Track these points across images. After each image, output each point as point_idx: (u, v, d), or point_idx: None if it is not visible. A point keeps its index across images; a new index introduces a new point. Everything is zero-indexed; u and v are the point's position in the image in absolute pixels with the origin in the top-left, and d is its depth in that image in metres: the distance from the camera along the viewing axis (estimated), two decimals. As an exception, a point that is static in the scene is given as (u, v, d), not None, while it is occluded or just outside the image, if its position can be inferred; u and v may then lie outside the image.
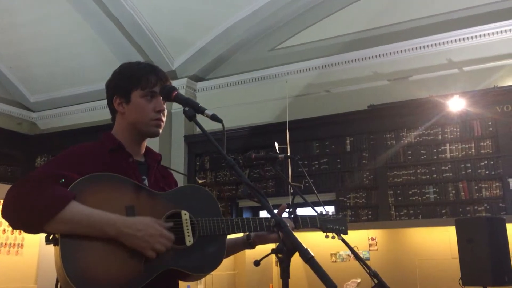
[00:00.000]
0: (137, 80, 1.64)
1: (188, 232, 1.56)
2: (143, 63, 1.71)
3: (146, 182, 1.65)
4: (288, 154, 5.18)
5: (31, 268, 3.72)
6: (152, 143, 1.74)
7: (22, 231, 1.52)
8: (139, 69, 1.67)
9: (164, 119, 1.68)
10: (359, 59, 6.24)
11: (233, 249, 1.81)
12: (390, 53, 6.07)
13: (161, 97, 1.65)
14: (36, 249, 3.74)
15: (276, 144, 3.27)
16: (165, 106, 1.70)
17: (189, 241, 1.55)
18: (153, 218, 1.50)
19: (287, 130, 5.59)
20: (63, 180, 1.46)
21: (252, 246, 1.82)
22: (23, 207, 1.39)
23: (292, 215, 1.82)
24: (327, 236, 2.00)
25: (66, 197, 1.41)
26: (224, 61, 7.10)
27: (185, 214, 1.58)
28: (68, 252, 1.39)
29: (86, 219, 1.41)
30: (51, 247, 1.47)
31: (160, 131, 1.69)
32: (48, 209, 1.38)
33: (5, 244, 3.62)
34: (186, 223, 1.57)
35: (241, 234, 1.81)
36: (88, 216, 1.42)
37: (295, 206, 1.82)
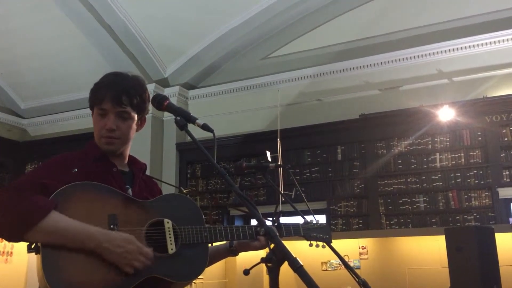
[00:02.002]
0: (92, 96, 1.65)
1: (170, 240, 1.57)
2: (109, 77, 1.66)
3: (130, 191, 1.65)
4: (279, 162, 5.21)
5: (20, 276, 3.69)
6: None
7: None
8: (96, 84, 1.65)
9: (122, 136, 1.64)
10: (350, 69, 6.28)
11: (216, 256, 1.82)
12: (381, 63, 6.12)
13: (114, 115, 1.62)
14: (25, 257, 3.71)
15: (268, 153, 3.29)
16: (130, 123, 1.64)
17: (172, 249, 1.56)
18: (133, 236, 1.49)
19: (279, 139, 5.61)
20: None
21: (234, 253, 1.83)
22: (3, 217, 1.39)
23: (276, 223, 1.83)
24: (311, 245, 2.00)
25: (46, 207, 1.41)
26: (216, 70, 7.12)
27: (167, 222, 1.58)
28: (50, 260, 1.40)
29: (66, 230, 1.41)
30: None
31: (114, 148, 1.65)
32: (28, 219, 1.38)
33: (-6, 252, 3.60)
34: (169, 231, 1.57)
35: (224, 242, 1.81)
36: (68, 228, 1.42)
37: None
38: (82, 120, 7.49)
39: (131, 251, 1.46)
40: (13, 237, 1.43)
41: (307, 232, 1.96)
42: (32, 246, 1.45)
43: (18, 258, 3.71)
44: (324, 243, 2.02)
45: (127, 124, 1.64)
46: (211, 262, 1.75)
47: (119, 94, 1.61)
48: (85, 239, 1.42)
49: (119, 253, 1.44)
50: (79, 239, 1.42)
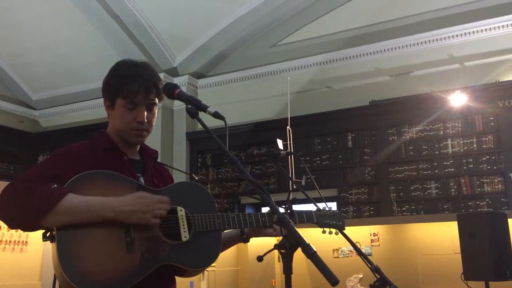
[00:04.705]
0: (120, 89, 1.62)
1: (183, 228, 1.58)
2: (132, 68, 1.64)
3: (141, 179, 1.66)
4: (290, 150, 5.20)
5: (36, 265, 3.75)
6: (154, 140, 1.75)
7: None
8: (124, 76, 1.62)
9: (150, 128, 1.66)
10: (360, 55, 6.23)
11: (227, 243, 1.83)
12: (391, 48, 6.06)
13: (144, 107, 1.63)
14: (40, 246, 3.76)
15: (280, 141, 3.28)
16: (154, 113, 1.67)
17: (185, 237, 1.57)
18: (143, 191, 1.52)
19: (289, 126, 5.60)
20: (55, 186, 1.47)
21: (246, 240, 1.84)
22: (18, 206, 1.40)
23: (288, 211, 1.83)
24: (324, 232, 2.00)
25: (62, 191, 1.43)
26: (225, 58, 7.10)
27: (180, 210, 1.59)
28: (64, 248, 1.41)
29: (83, 206, 1.43)
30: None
31: (143, 140, 1.68)
32: (45, 202, 1.39)
33: (10, 241, 3.65)
34: (182, 219, 1.58)
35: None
36: (84, 203, 1.44)
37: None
38: (93, 111, 7.53)
39: (148, 204, 1.49)
40: (29, 226, 1.45)
41: (320, 219, 1.96)
42: (47, 235, 1.47)
43: (34, 247, 3.77)
44: (337, 230, 2.02)
45: (153, 114, 1.67)
46: (224, 248, 1.77)
47: (150, 87, 1.62)
48: (101, 210, 1.44)
49: (138, 211, 1.47)
50: (96, 212, 1.44)
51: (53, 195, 1.41)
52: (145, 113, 1.63)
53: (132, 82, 1.61)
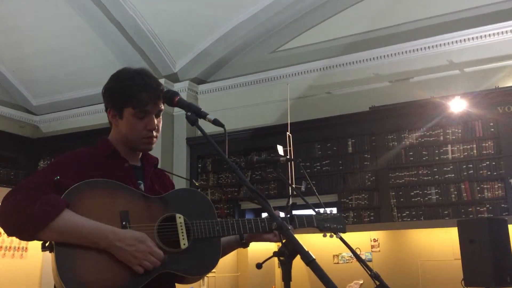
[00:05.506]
0: (129, 98, 1.62)
1: (182, 235, 1.57)
2: (138, 77, 1.65)
3: (142, 186, 1.66)
4: (290, 156, 5.20)
5: (36, 271, 3.75)
6: (154, 146, 1.75)
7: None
8: (132, 86, 1.63)
9: (157, 134, 1.69)
10: (360, 61, 6.25)
11: (227, 248, 1.83)
12: (391, 54, 6.08)
13: (154, 115, 1.65)
14: (40, 252, 3.76)
15: (280, 147, 3.29)
16: (161, 119, 1.70)
17: (184, 244, 1.57)
18: (145, 234, 1.51)
19: (289, 132, 5.60)
20: (58, 177, 1.48)
21: (245, 245, 1.84)
22: (17, 216, 1.41)
23: (288, 215, 1.83)
24: (325, 235, 2.00)
25: (59, 206, 1.43)
26: (225, 64, 7.12)
27: (179, 217, 1.59)
28: (63, 258, 1.42)
29: (78, 230, 1.43)
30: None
31: (152, 146, 1.70)
32: (41, 218, 1.39)
33: (10, 247, 3.65)
34: (181, 226, 1.58)
35: None
36: (80, 227, 1.43)
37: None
38: (94, 116, 7.54)
39: (141, 250, 1.47)
40: (26, 237, 1.46)
41: (321, 223, 1.96)
42: (46, 245, 1.47)
43: (33, 253, 3.77)
44: (337, 234, 2.02)
45: (160, 120, 1.69)
46: (223, 254, 1.77)
47: (159, 95, 1.64)
48: (96, 238, 1.44)
49: (130, 252, 1.45)
50: (91, 239, 1.43)
51: (49, 211, 1.40)
52: (155, 120, 1.66)
53: (142, 92, 1.62)
